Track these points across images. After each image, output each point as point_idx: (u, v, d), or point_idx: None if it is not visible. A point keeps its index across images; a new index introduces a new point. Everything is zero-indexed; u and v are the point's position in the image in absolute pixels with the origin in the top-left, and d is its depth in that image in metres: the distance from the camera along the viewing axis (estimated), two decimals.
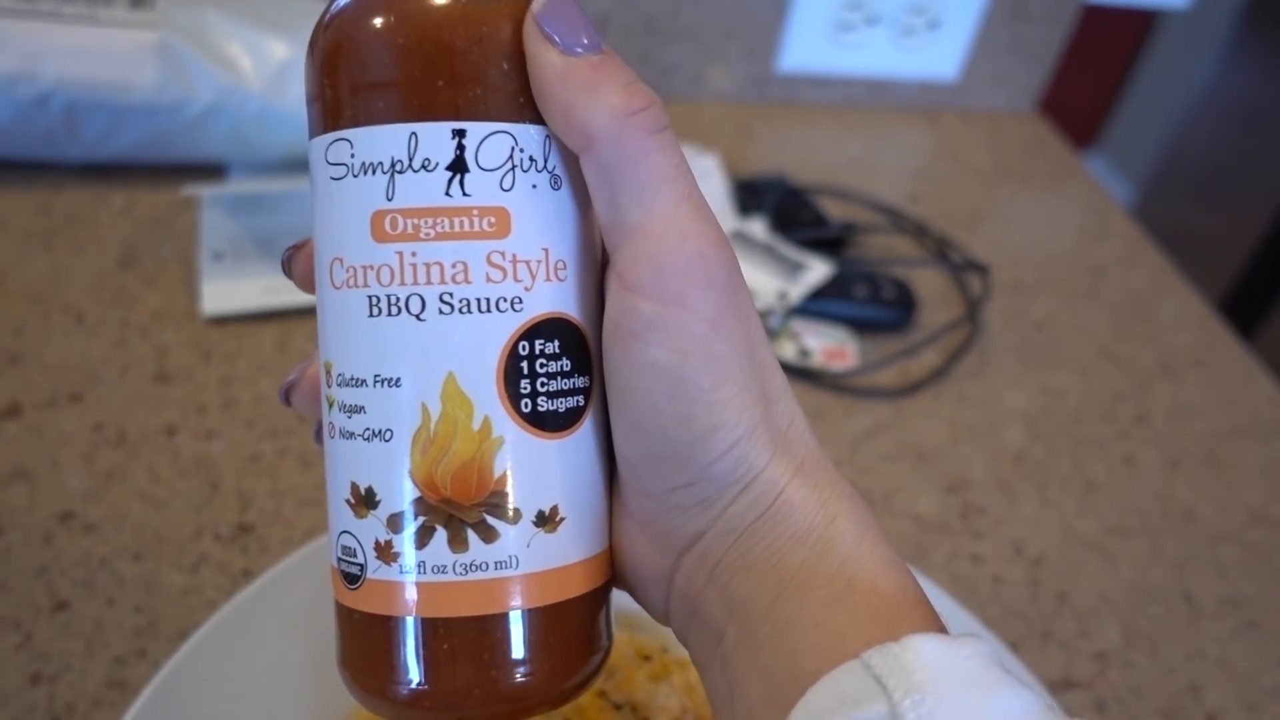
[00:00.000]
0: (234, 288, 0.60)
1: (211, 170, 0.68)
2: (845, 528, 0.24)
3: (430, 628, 0.24)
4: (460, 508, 0.24)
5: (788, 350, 0.63)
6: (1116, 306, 0.73)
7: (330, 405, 0.25)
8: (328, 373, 0.25)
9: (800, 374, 0.61)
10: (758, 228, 0.70)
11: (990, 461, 0.59)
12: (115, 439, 0.51)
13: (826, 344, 0.64)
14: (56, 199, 0.65)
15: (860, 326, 0.65)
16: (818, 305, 0.65)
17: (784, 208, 0.72)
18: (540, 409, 0.24)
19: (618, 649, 0.42)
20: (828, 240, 0.71)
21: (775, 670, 0.23)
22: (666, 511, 0.25)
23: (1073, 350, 0.68)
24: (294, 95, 0.64)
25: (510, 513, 0.24)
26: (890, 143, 0.89)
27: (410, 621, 0.24)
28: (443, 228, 0.23)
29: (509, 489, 0.24)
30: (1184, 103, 1.94)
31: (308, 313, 0.60)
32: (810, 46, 0.87)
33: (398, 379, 0.24)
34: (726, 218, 0.71)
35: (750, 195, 0.74)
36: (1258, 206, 1.72)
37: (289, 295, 0.60)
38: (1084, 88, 1.93)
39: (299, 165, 0.67)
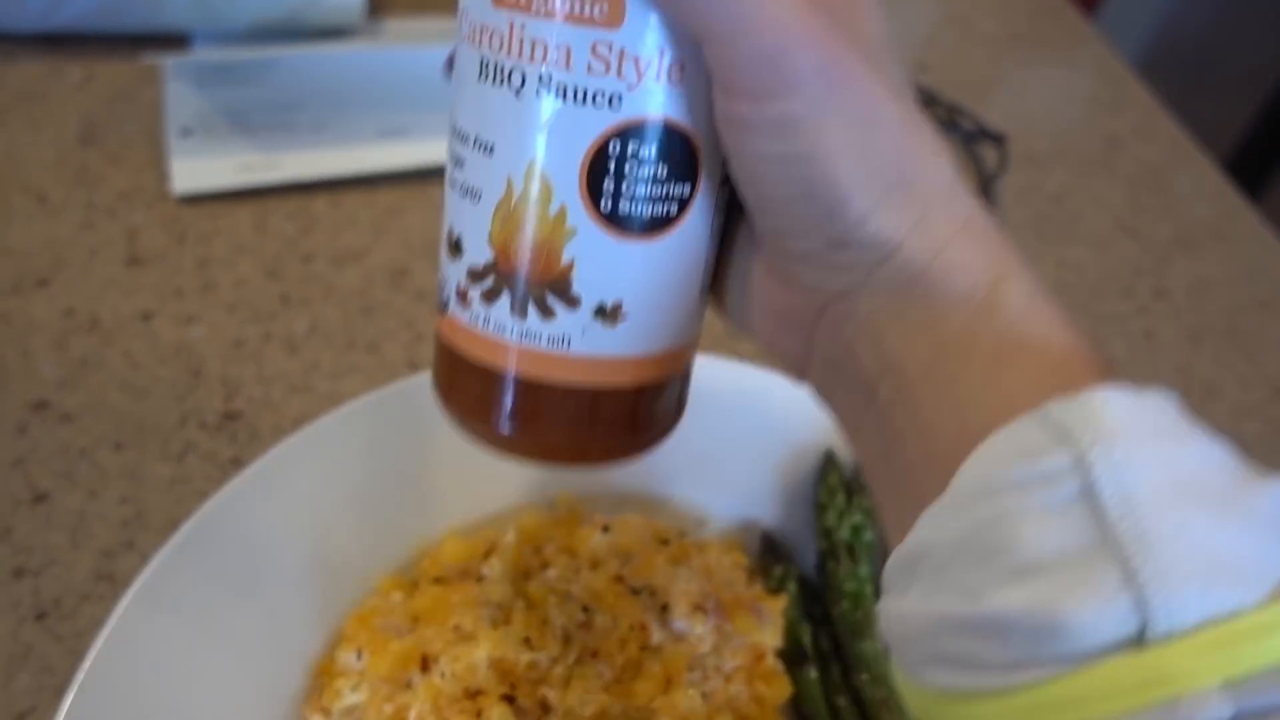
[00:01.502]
0: (206, 165, 0.56)
1: (175, 41, 0.63)
2: (1014, 288, 0.22)
3: (481, 374, 0.25)
4: (527, 282, 0.24)
5: None
6: (1133, 178, 0.70)
7: (450, 146, 0.25)
8: (452, 113, 0.25)
9: None
10: None
11: None
12: (88, 325, 0.48)
13: None
14: (8, 73, 0.60)
15: None
16: None
17: None
18: (621, 210, 0.23)
19: (635, 534, 0.40)
20: None
21: (939, 429, 0.21)
22: (811, 270, 0.24)
23: (1089, 224, 0.66)
24: None
25: (571, 298, 0.24)
26: (896, 9, 0.84)
27: (466, 361, 0.26)
28: (552, 5, 0.22)
29: (574, 277, 0.24)
30: None
31: (286, 190, 0.56)
32: None
33: (491, 146, 0.24)
34: None
35: None
36: (1250, 87, 1.68)
37: (265, 173, 0.56)
38: None
39: (268, 34, 0.62)
